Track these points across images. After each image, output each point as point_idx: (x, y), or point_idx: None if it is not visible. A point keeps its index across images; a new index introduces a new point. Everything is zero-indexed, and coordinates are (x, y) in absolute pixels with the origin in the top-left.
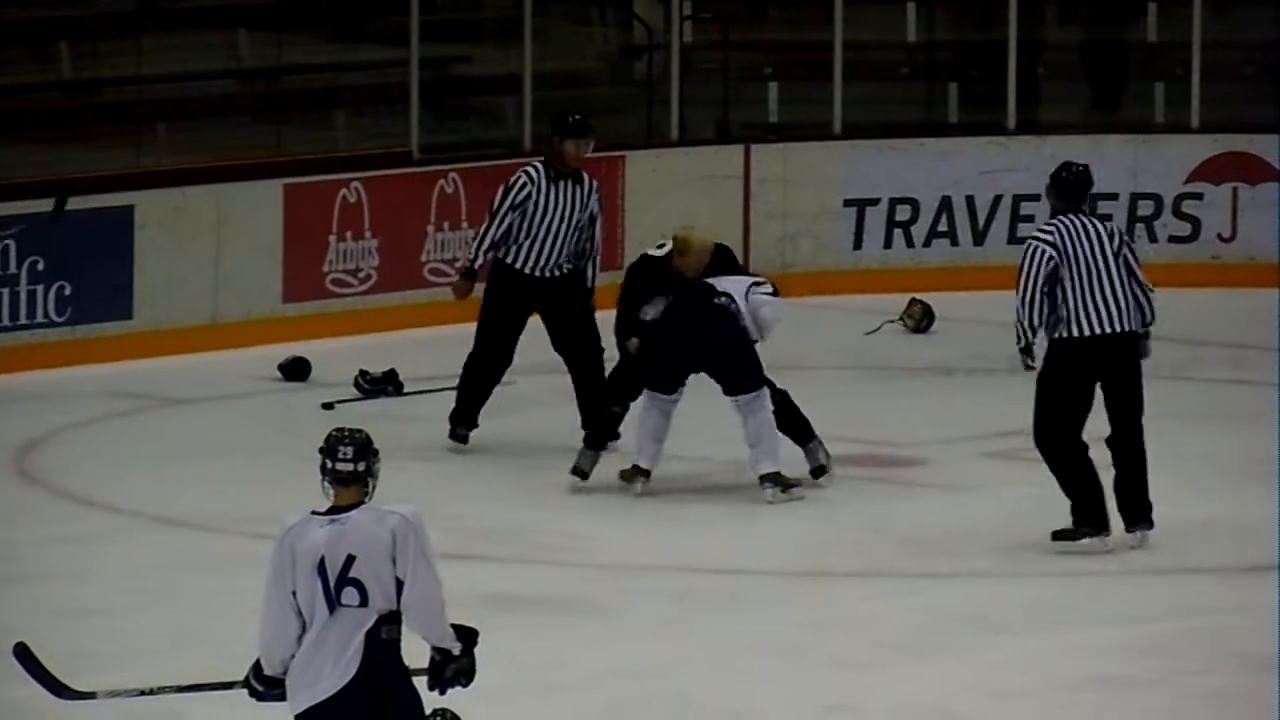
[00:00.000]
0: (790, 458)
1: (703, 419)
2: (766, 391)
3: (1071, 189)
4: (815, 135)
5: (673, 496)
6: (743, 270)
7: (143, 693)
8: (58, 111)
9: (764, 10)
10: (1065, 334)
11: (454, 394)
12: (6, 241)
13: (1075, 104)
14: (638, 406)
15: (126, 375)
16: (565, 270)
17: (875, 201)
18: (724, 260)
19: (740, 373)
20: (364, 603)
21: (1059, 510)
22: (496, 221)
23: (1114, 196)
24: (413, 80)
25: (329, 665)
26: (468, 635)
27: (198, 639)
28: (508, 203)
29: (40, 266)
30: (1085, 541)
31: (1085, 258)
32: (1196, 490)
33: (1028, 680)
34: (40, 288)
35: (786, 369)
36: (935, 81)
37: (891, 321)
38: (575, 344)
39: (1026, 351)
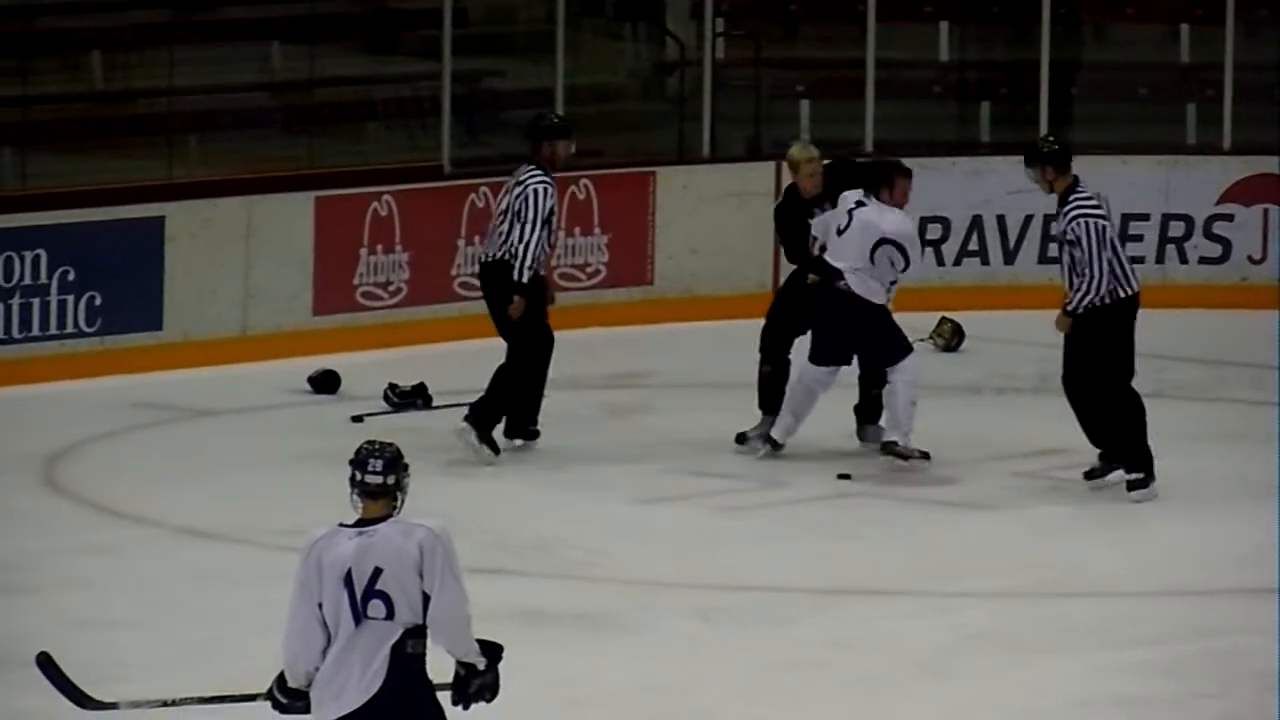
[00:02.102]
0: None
1: (729, 434)
2: (906, 362)
3: (1066, 155)
4: (847, 153)
5: (700, 513)
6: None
7: (165, 703)
8: (89, 122)
9: (796, 27)
10: (1123, 293)
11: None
12: (38, 251)
13: (1110, 124)
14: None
15: (155, 386)
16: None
17: None
18: (844, 175)
19: (884, 353)
20: (390, 615)
21: (1086, 529)
22: (536, 233)
23: (1145, 217)
24: (444, 94)
25: (355, 678)
26: (493, 650)
27: (222, 651)
28: (545, 213)
29: (70, 277)
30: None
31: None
32: (1221, 511)
33: (1048, 700)
34: (70, 298)
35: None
36: (967, 100)
37: (922, 340)
38: (535, 336)
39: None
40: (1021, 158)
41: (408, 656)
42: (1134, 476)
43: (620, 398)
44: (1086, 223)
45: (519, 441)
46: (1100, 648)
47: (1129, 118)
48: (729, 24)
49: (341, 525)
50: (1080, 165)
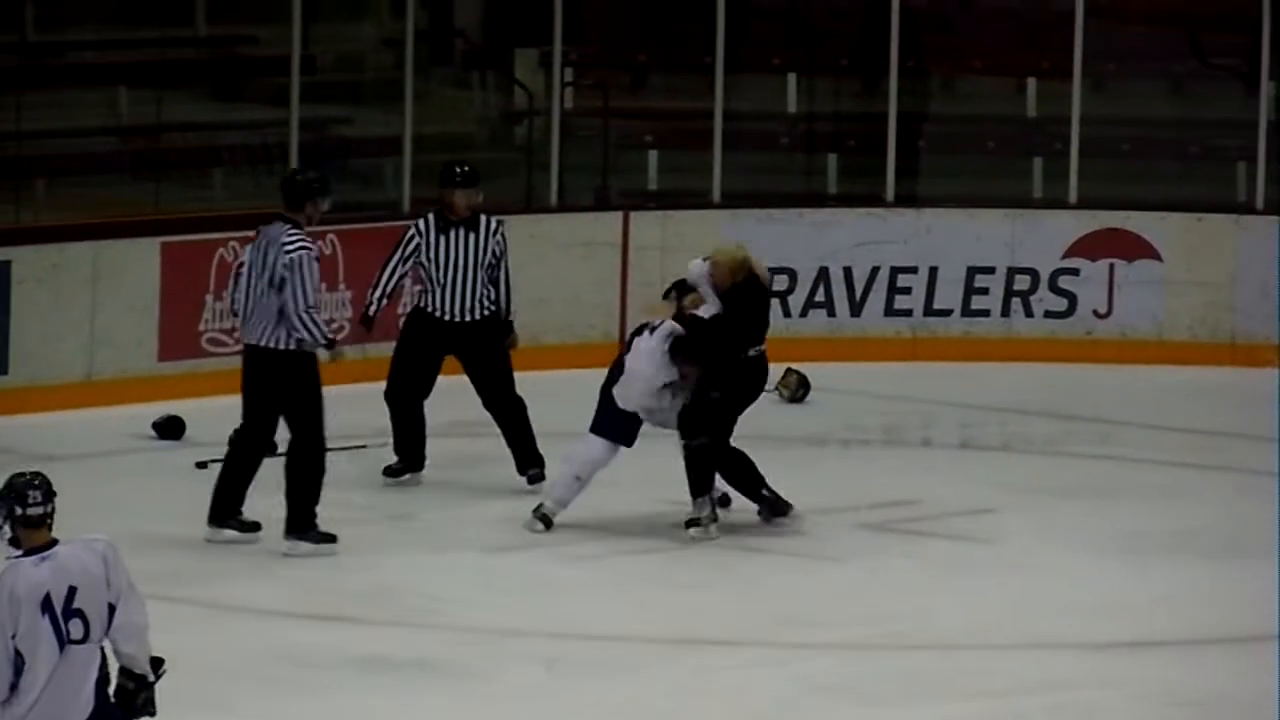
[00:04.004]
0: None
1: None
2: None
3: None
4: (694, 204)
5: (543, 562)
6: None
7: None
8: None
9: (645, 78)
10: None
11: (341, 451)
12: None
13: (957, 177)
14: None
15: None
16: (483, 314)
17: None
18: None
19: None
20: (87, 635)
21: (931, 581)
22: (387, 271)
23: (991, 270)
24: (292, 140)
25: (72, 704)
26: (156, 663)
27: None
28: (398, 254)
29: None
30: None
31: None
32: (1066, 564)
33: None
34: None
35: (659, 435)
36: (814, 152)
37: (768, 391)
38: (494, 388)
39: None
40: (868, 209)
41: (106, 678)
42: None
43: (462, 446)
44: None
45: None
46: (946, 700)
47: (976, 170)
48: (577, 74)
49: (13, 558)
50: (926, 218)
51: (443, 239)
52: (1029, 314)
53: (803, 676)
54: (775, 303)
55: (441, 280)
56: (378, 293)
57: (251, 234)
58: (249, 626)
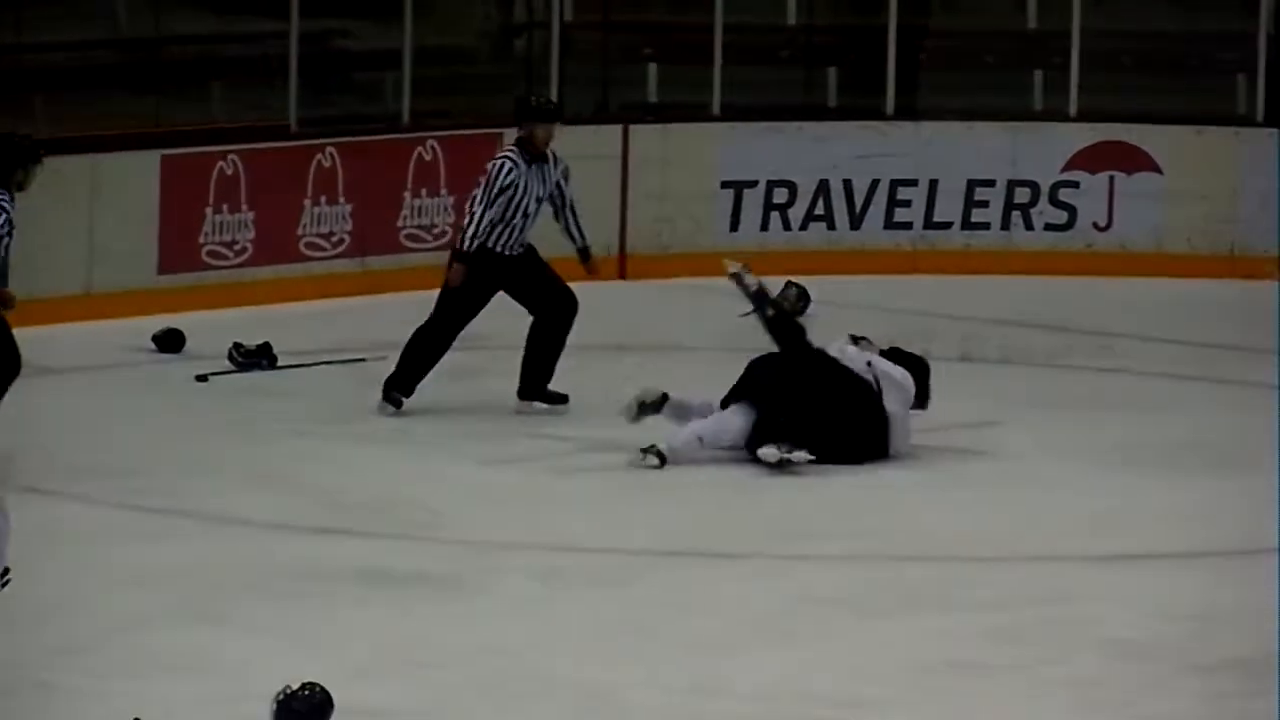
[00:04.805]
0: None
1: (576, 396)
2: None
3: None
4: (694, 116)
5: (540, 475)
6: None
7: None
8: None
9: None
10: None
11: (339, 365)
12: None
13: (956, 91)
14: None
15: None
16: (525, 247)
17: (753, 184)
18: None
19: None
20: None
21: (928, 493)
22: (489, 206)
23: (991, 184)
24: (292, 53)
25: None
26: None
27: (69, 608)
28: (497, 186)
29: None
30: None
31: None
32: (1066, 477)
33: (887, 664)
34: None
35: (662, 349)
36: (815, 66)
37: None
38: (549, 301)
39: None
40: (868, 123)
41: None
42: None
43: (461, 360)
44: None
45: (541, 404)
46: (940, 612)
47: (976, 84)
48: None
49: None
50: (926, 131)
51: (528, 172)
52: (1029, 227)
53: (799, 589)
54: (775, 215)
55: (525, 215)
56: (479, 228)
57: (248, 147)
58: (248, 539)
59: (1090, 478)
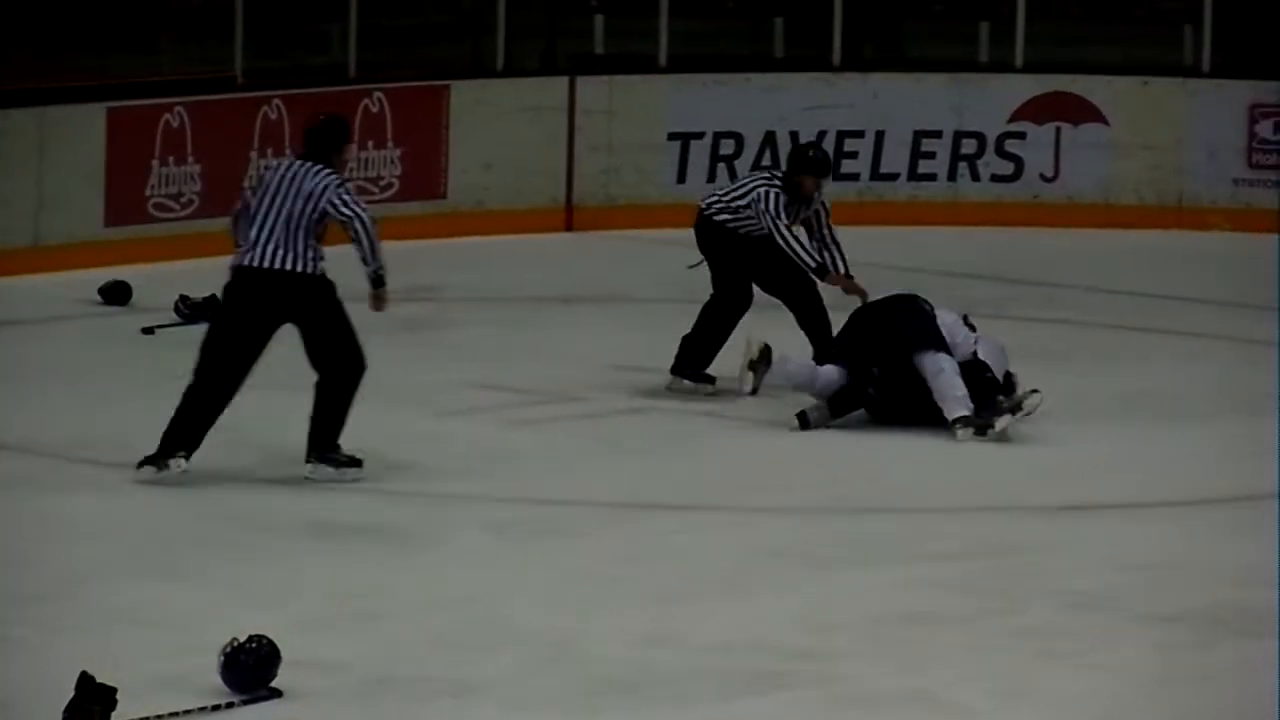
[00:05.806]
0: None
1: (526, 348)
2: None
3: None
4: (640, 68)
5: (493, 427)
6: None
7: None
8: None
9: None
10: None
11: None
12: None
13: (903, 41)
14: None
15: None
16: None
17: (700, 135)
18: None
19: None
20: None
21: (883, 445)
22: (792, 232)
23: (937, 135)
24: (238, 5)
25: None
26: None
27: (11, 561)
28: (788, 218)
29: None
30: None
31: None
32: (1011, 428)
33: (842, 615)
34: None
35: (608, 300)
36: (761, 17)
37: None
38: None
39: None
40: (815, 74)
41: None
42: None
43: (413, 311)
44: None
45: (686, 382)
46: (894, 563)
47: (922, 35)
48: None
49: None
50: (874, 82)
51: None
52: (975, 178)
53: (753, 541)
54: (722, 166)
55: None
56: (818, 245)
57: (195, 99)
58: (200, 492)
59: (1037, 428)
